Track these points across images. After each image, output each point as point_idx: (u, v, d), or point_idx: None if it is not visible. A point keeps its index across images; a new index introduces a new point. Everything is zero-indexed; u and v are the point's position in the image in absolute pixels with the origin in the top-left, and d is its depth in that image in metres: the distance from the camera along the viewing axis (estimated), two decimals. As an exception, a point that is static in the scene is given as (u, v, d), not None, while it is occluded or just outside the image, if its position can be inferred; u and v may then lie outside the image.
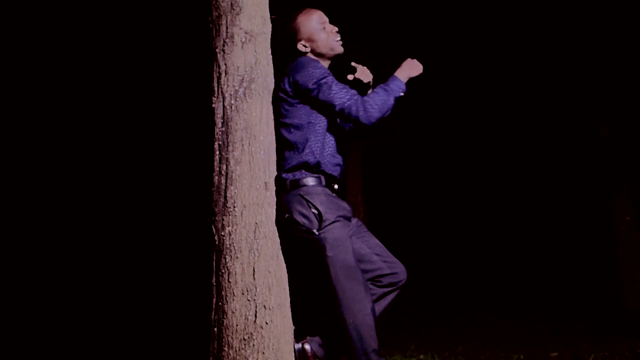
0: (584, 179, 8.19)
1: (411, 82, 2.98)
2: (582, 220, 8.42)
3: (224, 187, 2.77)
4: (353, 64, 3.00)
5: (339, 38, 2.98)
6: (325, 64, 2.98)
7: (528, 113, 8.68)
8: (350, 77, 2.95)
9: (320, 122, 2.88)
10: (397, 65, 3.02)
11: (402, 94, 2.88)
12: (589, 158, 7.24)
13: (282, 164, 2.89)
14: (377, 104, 2.81)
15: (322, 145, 2.87)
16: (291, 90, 2.86)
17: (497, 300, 7.52)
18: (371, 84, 3.00)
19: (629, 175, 6.34)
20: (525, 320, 6.29)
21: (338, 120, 2.95)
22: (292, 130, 2.87)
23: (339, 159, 2.93)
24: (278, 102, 2.90)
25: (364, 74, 2.97)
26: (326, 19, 3.00)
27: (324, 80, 2.81)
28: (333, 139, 2.92)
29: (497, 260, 8.70)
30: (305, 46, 2.96)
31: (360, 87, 2.98)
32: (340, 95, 2.80)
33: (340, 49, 2.98)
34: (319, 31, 2.96)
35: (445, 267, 8.76)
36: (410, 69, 2.97)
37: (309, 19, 2.97)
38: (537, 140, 8.84)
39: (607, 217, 6.46)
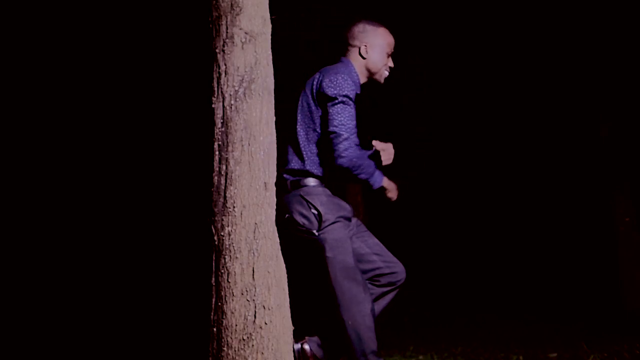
0: (584, 179, 8.19)
1: (411, 80, 3.00)
2: (582, 220, 8.41)
3: (223, 187, 2.77)
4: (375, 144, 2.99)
5: (388, 72, 3.02)
6: (362, 79, 2.98)
7: (528, 113, 8.68)
8: (375, 145, 2.96)
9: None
10: (396, 65, 3.03)
11: (371, 184, 2.87)
12: (589, 158, 7.23)
13: (286, 159, 2.89)
14: (356, 160, 2.77)
15: (330, 160, 2.86)
16: (315, 89, 2.87)
17: (497, 300, 7.51)
18: (383, 165, 3.01)
19: (629, 175, 6.33)
20: (525, 320, 6.29)
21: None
22: (299, 129, 2.88)
23: (345, 174, 2.93)
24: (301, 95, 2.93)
25: (387, 153, 2.99)
26: (393, 50, 3.02)
27: (346, 99, 2.79)
28: None
29: (497, 260, 8.70)
30: (366, 52, 2.96)
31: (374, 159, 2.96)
32: (345, 122, 2.77)
33: (381, 80, 3.02)
34: (383, 52, 2.98)
35: (445, 267, 8.76)
36: (390, 188, 2.96)
37: (384, 36, 2.99)
38: (537, 140, 8.84)
39: (607, 218, 6.46)
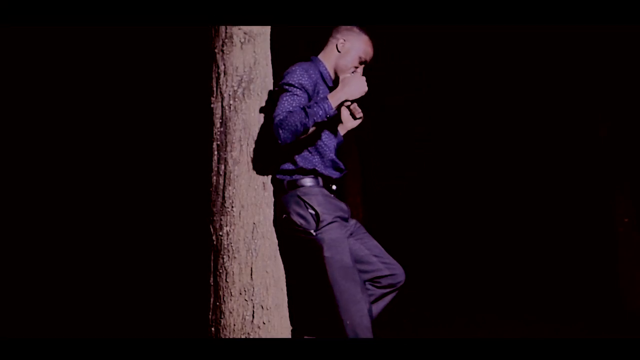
0: (584, 179, 8.19)
1: (410, 81, 2.97)
2: (582, 220, 8.42)
3: (222, 187, 2.77)
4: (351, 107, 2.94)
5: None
6: (332, 74, 2.98)
7: (528, 113, 8.69)
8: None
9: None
10: (393, 66, 3.02)
11: (325, 118, 2.69)
12: (588, 158, 7.23)
13: (278, 161, 2.89)
14: (290, 127, 2.62)
15: (318, 151, 2.86)
16: None
17: (497, 300, 7.51)
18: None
19: (629, 175, 6.33)
20: (525, 320, 6.28)
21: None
22: None
23: (338, 164, 2.93)
24: None
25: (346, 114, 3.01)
26: (367, 60, 2.99)
27: (287, 87, 2.73)
28: (331, 144, 2.91)
29: (497, 260, 8.70)
30: (342, 46, 2.96)
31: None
32: (280, 108, 2.67)
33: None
34: (357, 55, 2.95)
35: (445, 267, 8.76)
36: (348, 89, 2.77)
37: (365, 43, 2.98)
38: (537, 140, 8.84)
39: (607, 218, 6.46)
